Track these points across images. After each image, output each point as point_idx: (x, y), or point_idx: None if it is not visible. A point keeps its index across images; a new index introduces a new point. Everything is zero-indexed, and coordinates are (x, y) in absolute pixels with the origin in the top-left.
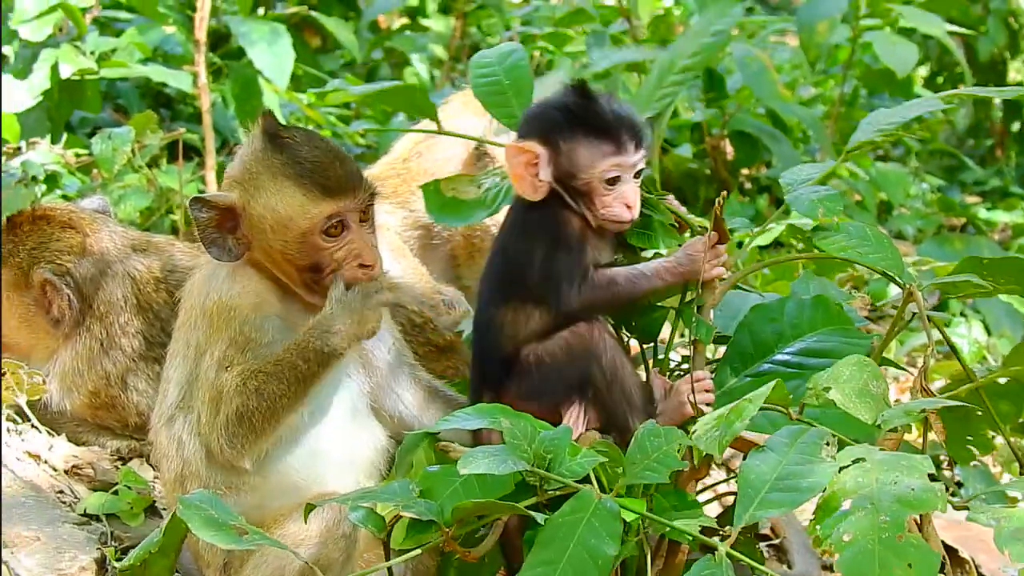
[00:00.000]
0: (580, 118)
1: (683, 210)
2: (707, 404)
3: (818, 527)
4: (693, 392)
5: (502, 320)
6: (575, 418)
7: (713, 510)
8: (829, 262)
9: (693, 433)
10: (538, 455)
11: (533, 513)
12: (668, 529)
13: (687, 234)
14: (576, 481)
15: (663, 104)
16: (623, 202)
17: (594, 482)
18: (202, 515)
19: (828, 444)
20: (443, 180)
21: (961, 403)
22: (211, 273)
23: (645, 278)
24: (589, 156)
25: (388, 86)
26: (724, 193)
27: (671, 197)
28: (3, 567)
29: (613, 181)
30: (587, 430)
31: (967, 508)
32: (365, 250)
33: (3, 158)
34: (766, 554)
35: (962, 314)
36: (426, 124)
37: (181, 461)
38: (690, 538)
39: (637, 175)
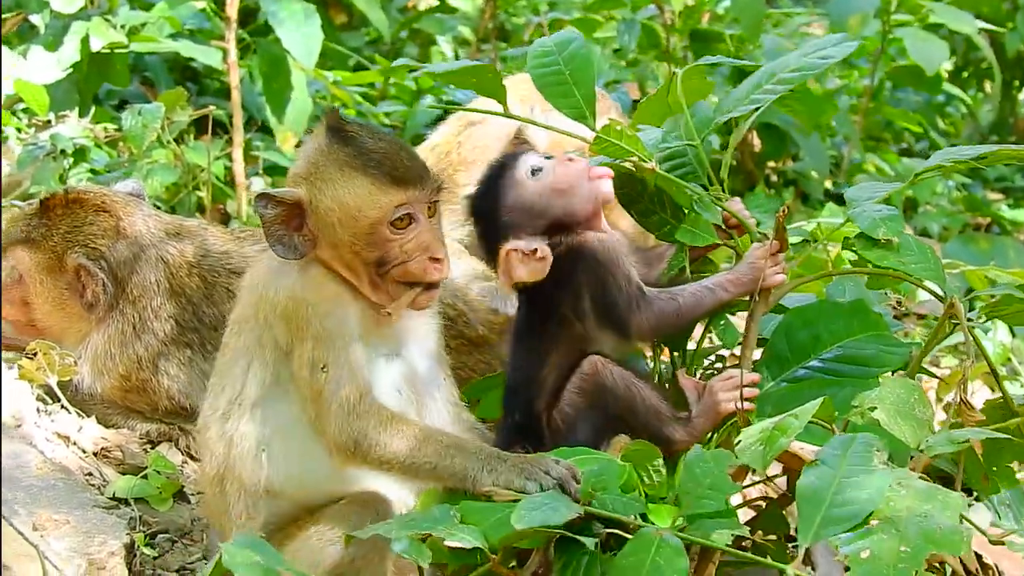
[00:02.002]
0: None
1: (746, 214)
2: (747, 400)
3: (842, 535)
4: (741, 394)
5: (530, 383)
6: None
7: (744, 514)
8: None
9: (737, 445)
10: (586, 492)
11: (582, 538)
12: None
13: (737, 238)
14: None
15: (750, 109)
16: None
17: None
18: (248, 562)
19: (878, 451)
20: None
21: (1005, 436)
22: (278, 268)
23: (710, 292)
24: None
25: (464, 65)
26: (786, 205)
27: (737, 200)
28: (36, 551)
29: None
30: None
31: (1003, 543)
32: (434, 243)
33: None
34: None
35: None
36: (460, 112)
37: (226, 460)
38: (727, 548)
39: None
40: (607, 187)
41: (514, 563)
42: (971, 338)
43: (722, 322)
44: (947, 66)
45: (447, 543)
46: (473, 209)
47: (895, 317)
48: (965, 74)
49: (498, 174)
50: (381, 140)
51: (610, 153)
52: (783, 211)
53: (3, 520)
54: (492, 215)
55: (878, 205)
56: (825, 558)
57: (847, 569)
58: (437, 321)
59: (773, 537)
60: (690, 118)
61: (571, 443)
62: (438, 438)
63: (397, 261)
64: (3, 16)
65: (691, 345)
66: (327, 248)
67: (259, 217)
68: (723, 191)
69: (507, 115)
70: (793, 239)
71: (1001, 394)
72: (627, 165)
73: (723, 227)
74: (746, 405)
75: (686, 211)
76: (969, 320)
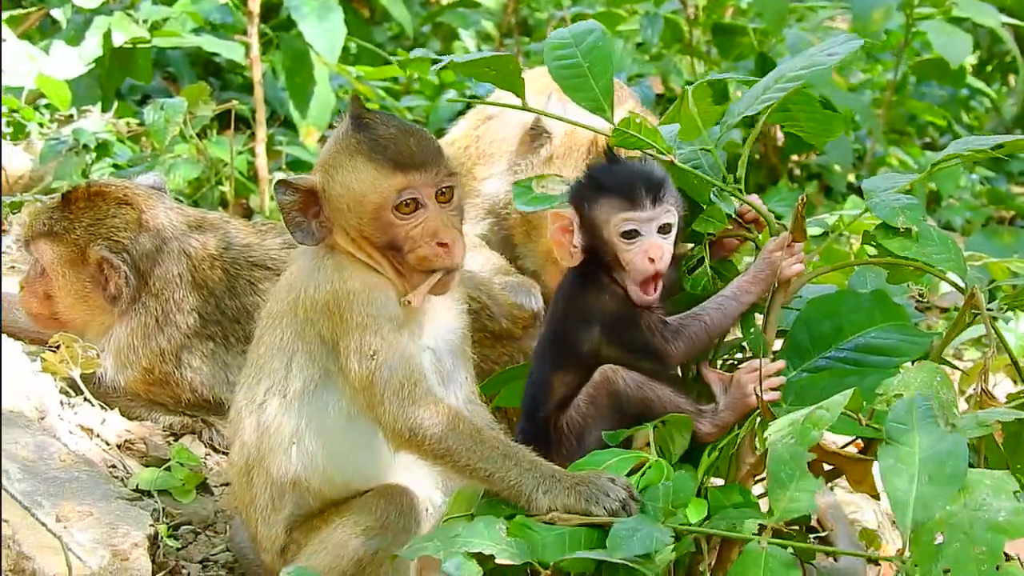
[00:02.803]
0: (599, 180)
1: (764, 208)
2: (772, 389)
3: (916, 565)
4: (761, 382)
5: (539, 393)
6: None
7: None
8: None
9: (766, 437)
10: (667, 510)
11: (642, 568)
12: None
13: (756, 232)
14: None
15: (761, 110)
16: (643, 255)
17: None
18: None
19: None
20: (534, 178)
21: None
22: (313, 266)
23: (732, 300)
24: (604, 213)
25: (485, 56)
26: (805, 195)
27: (754, 196)
28: (60, 542)
29: (631, 235)
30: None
31: None
32: (442, 229)
33: (55, 124)
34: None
35: (1011, 309)
36: (480, 106)
37: (256, 451)
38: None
39: (663, 230)
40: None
41: None
42: (992, 329)
43: (752, 329)
44: (971, 60)
45: (498, 560)
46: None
47: (917, 310)
48: (989, 68)
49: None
50: (393, 126)
51: (629, 145)
52: (802, 201)
53: (28, 511)
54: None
55: (896, 194)
56: (847, 549)
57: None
58: (464, 316)
59: (796, 528)
60: (702, 127)
61: (582, 449)
62: (493, 444)
63: (407, 248)
64: (26, 11)
65: None
66: (342, 234)
67: (278, 204)
68: (743, 187)
69: (525, 108)
70: (814, 231)
71: (1022, 389)
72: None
73: (741, 222)
74: (772, 395)
75: (704, 207)
76: (990, 311)
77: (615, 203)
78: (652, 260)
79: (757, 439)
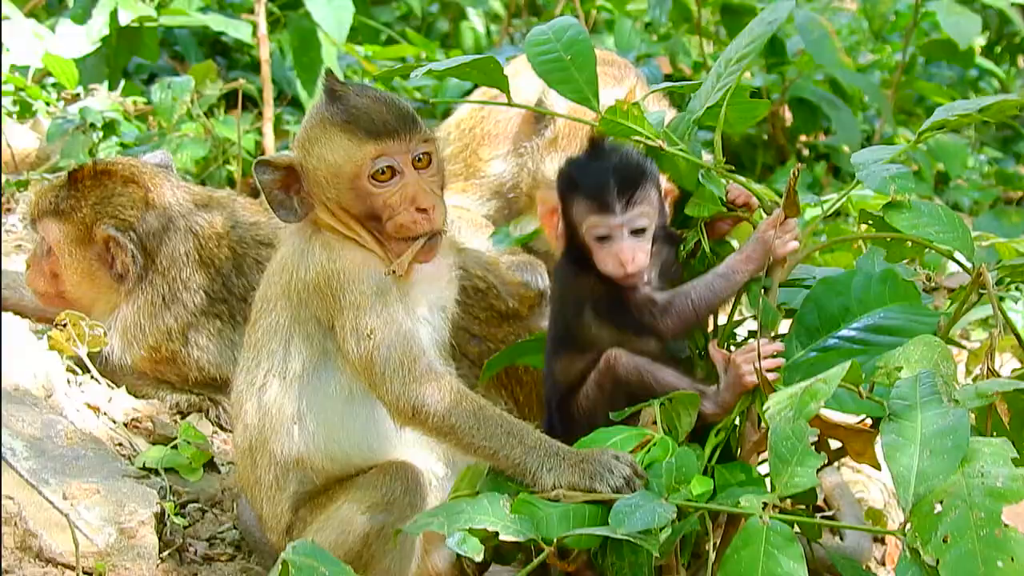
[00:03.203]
0: (574, 178)
1: (755, 187)
2: (769, 371)
3: (916, 535)
4: (760, 361)
5: (552, 373)
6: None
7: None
8: (902, 248)
9: (765, 410)
10: (669, 486)
11: (645, 544)
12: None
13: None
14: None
15: (722, 94)
16: (615, 259)
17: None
18: (312, 575)
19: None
20: (511, 223)
21: None
22: (302, 247)
23: (722, 279)
24: (578, 214)
25: (466, 60)
26: (799, 166)
27: (740, 178)
28: (67, 520)
29: (603, 239)
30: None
31: None
32: (419, 194)
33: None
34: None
35: (1017, 288)
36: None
37: (258, 432)
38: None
39: (636, 233)
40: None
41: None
42: (998, 308)
43: (760, 302)
44: (980, 40)
45: (502, 537)
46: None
47: (925, 291)
48: (998, 48)
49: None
50: (366, 96)
51: (616, 133)
52: (793, 174)
53: (34, 489)
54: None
55: (886, 164)
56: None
57: (881, 541)
58: (453, 288)
59: (803, 506)
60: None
61: (591, 430)
62: (497, 421)
63: (385, 216)
64: None
65: (723, 318)
66: (323, 209)
67: (259, 184)
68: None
69: (511, 104)
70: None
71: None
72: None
73: (732, 207)
74: (769, 376)
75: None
76: (997, 290)
77: (586, 206)
78: (622, 264)
79: (760, 417)
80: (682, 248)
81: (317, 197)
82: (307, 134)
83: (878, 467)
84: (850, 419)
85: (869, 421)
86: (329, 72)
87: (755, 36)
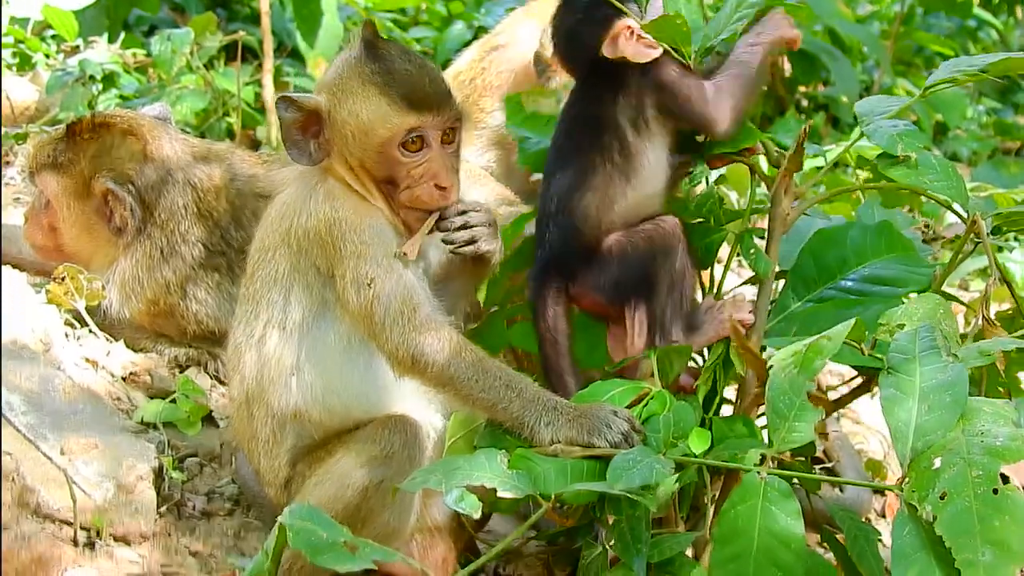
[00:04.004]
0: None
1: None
2: (742, 324)
3: (914, 491)
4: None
5: (585, 206)
6: (638, 326)
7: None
8: (896, 194)
9: (769, 366)
10: (667, 441)
11: (643, 500)
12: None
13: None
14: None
15: (731, 35)
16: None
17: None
18: (310, 538)
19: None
20: (524, 94)
21: None
22: (305, 194)
23: (749, 53)
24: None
25: None
26: (809, 123)
27: None
28: (64, 475)
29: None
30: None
31: None
32: (442, 172)
33: (60, 57)
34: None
35: (1016, 238)
36: (486, 37)
37: (256, 384)
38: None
39: None
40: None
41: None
42: (992, 257)
43: (752, 250)
44: None
45: (500, 493)
46: None
47: (924, 241)
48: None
49: None
50: (409, 62)
51: (661, 37)
52: (805, 129)
53: (32, 444)
54: None
55: (893, 120)
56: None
57: (881, 493)
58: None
59: (802, 458)
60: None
61: (611, 279)
62: (497, 373)
63: (404, 185)
64: None
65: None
66: (340, 161)
67: (279, 119)
68: None
69: None
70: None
71: (1010, 306)
72: None
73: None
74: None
75: None
76: (993, 238)
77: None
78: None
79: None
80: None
81: (338, 148)
82: (341, 83)
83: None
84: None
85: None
86: (369, 23)
87: None
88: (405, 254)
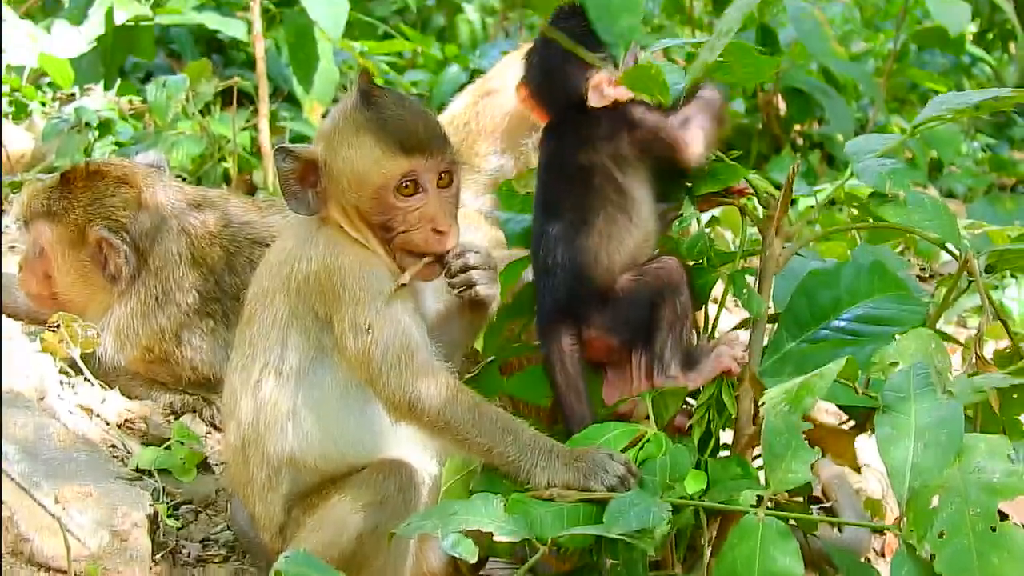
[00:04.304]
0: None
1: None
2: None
3: (912, 530)
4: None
5: (593, 249)
6: (644, 367)
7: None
8: (885, 231)
9: (761, 404)
10: (663, 484)
11: (641, 544)
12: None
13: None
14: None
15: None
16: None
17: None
18: None
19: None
20: (515, 179)
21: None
22: (303, 240)
23: (712, 94)
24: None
25: None
26: (798, 162)
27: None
28: (59, 523)
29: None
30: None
31: None
32: (439, 215)
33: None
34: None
35: (1012, 275)
36: (479, 81)
37: (254, 430)
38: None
39: None
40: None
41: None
42: (985, 294)
43: (745, 290)
44: (972, 28)
45: (497, 537)
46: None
47: (920, 279)
48: (990, 35)
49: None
50: (403, 108)
51: (637, 89)
52: (794, 168)
53: (26, 493)
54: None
55: (882, 159)
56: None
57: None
58: (443, 288)
59: (799, 498)
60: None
61: (622, 320)
62: (492, 417)
63: (400, 229)
64: None
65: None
66: (337, 208)
67: (277, 170)
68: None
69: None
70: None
71: (1008, 345)
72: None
73: (724, 193)
74: (735, 367)
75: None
76: (987, 276)
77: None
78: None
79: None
80: (680, 224)
81: (334, 196)
82: (336, 132)
83: (858, 469)
84: (830, 419)
85: (851, 424)
86: (365, 72)
87: (741, 6)
88: (403, 285)
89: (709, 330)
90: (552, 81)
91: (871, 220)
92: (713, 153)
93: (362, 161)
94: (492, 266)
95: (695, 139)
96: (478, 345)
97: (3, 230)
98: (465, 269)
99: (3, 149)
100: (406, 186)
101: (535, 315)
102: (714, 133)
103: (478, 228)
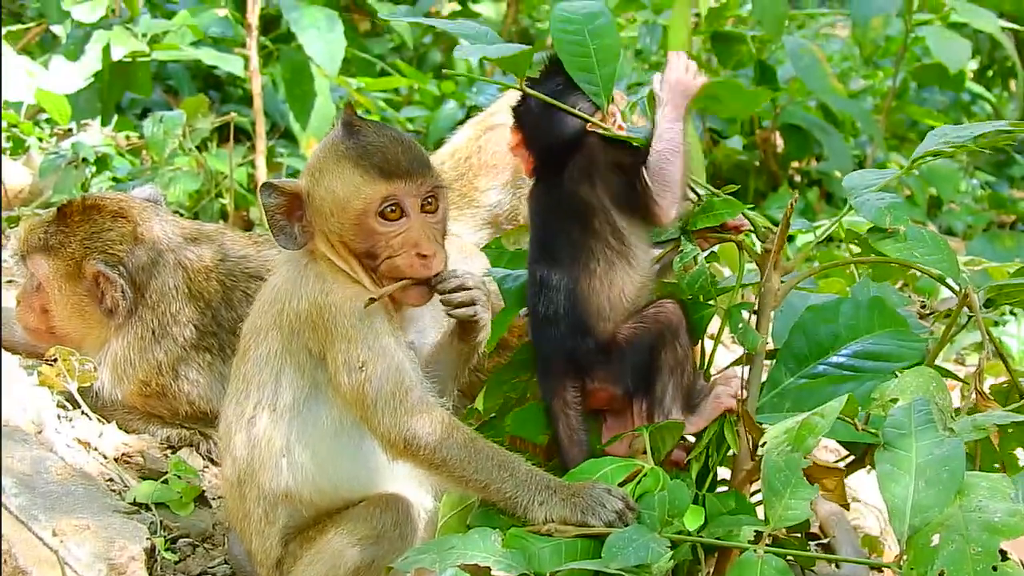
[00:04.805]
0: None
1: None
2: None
3: (912, 568)
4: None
5: (595, 299)
6: (645, 413)
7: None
8: (887, 267)
9: (762, 443)
10: (663, 519)
11: (628, 574)
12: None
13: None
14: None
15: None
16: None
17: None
18: None
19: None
20: (504, 236)
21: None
22: (295, 277)
23: (669, 130)
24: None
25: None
26: (795, 197)
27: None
28: (56, 556)
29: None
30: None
31: None
32: (423, 240)
33: (53, 140)
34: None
35: (1012, 312)
36: (482, 115)
37: (247, 465)
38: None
39: None
40: None
41: None
42: (984, 330)
43: (740, 325)
44: (972, 65)
45: (495, 572)
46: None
47: (920, 317)
48: (990, 73)
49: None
50: (383, 135)
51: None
52: (791, 204)
53: (24, 526)
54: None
55: (880, 193)
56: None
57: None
58: (441, 319)
59: (797, 534)
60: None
61: (626, 370)
62: (489, 453)
63: (384, 255)
64: (25, 26)
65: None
66: (322, 239)
67: (262, 206)
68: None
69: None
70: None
71: (1006, 380)
72: None
73: (723, 229)
74: (735, 405)
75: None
76: (986, 312)
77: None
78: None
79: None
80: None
81: (319, 226)
82: (318, 163)
83: (847, 505)
84: (826, 455)
85: (842, 464)
86: (348, 105)
87: None
88: (372, 300)
89: (705, 366)
90: (544, 128)
91: (871, 256)
92: (708, 190)
93: (343, 188)
94: (486, 292)
95: (670, 209)
96: (478, 403)
97: (1, 265)
98: (461, 288)
99: (1, 185)
100: (390, 210)
101: (536, 366)
102: (684, 180)
103: (476, 260)
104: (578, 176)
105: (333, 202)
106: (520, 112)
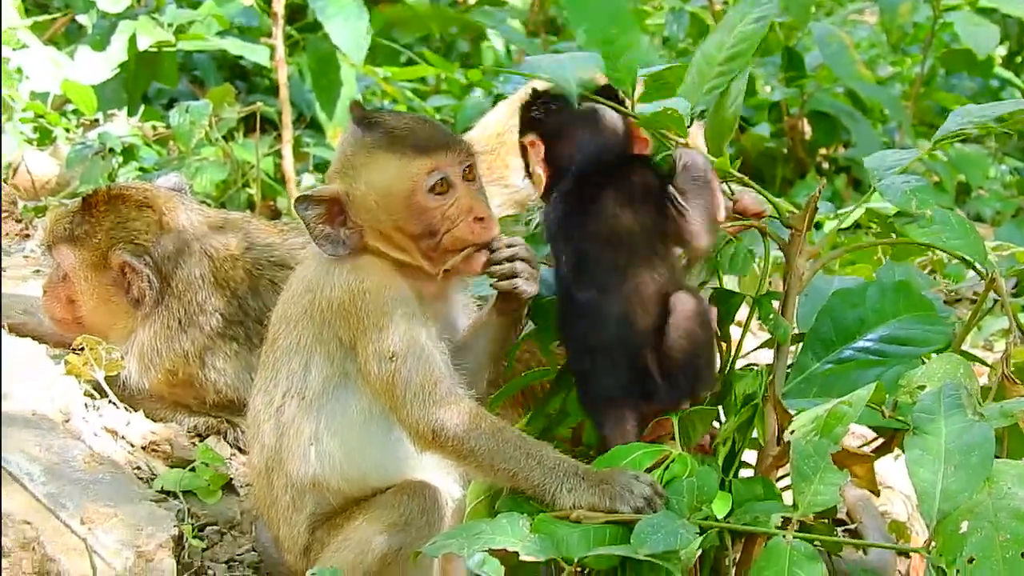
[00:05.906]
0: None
1: (772, 199)
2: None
3: (941, 554)
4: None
5: (644, 324)
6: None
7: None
8: (908, 247)
9: (789, 432)
10: (691, 506)
11: (668, 566)
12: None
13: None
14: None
15: (711, 98)
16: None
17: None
18: None
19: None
20: (521, 213)
21: None
22: (328, 266)
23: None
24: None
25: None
26: (821, 185)
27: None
28: (84, 544)
29: None
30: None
31: None
32: (476, 204)
33: (80, 131)
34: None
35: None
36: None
37: (275, 453)
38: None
39: None
40: None
41: None
42: (1011, 314)
43: (771, 315)
44: (1000, 51)
45: (523, 557)
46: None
47: (946, 302)
48: (1019, 58)
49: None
50: (403, 118)
51: (652, 126)
52: (818, 190)
53: (51, 513)
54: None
55: (905, 176)
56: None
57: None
58: (471, 309)
59: (824, 520)
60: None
61: (679, 385)
62: (516, 442)
63: (443, 229)
64: (51, 17)
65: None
66: (374, 235)
67: (303, 220)
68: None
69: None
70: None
71: None
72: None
73: (744, 216)
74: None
75: None
76: (1014, 297)
77: None
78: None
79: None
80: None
81: (367, 223)
82: (349, 162)
83: (877, 492)
84: (851, 440)
85: (868, 448)
86: (355, 103)
87: (746, 35)
88: (446, 269)
89: (733, 354)
90: (584, 144)
91: (896, 238)
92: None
93: (385, 177)
94: (535, 264)
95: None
96: (521, 424)
97: (28, 254)
98: (512, 259)
99: (28, 175)
100: (440, 184)
101: (585, 397)
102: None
103: None
104: (618, 198)
105: (378, 193)
106: (545, 124)
